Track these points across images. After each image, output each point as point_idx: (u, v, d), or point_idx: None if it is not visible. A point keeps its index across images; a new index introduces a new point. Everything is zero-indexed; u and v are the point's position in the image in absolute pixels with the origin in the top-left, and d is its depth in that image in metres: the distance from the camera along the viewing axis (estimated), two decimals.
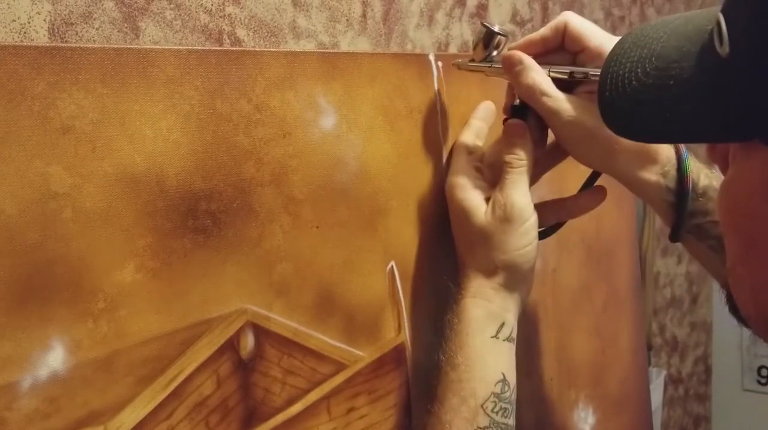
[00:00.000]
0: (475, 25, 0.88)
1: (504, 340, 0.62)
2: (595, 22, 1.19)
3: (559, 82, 0.61)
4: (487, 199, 0.63)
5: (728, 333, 1.89)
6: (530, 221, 0.62)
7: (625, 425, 0.96)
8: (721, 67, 0.40)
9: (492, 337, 0.61)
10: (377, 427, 0.63)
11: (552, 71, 0.62)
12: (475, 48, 0.65)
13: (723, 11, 0.40)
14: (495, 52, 0.65)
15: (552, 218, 0.68)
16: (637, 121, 0.46)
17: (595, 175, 0.68)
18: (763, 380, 1.94)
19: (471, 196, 0.63)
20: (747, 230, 0.42)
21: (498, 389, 0.59)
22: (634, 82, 0.46)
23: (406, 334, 0.66)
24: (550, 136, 0.66)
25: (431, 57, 0.69)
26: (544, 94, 0.61)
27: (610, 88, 0.47)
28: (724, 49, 0.39)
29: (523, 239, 0.61)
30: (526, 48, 0.63)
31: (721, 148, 0.45)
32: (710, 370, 1.97)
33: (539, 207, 0.65)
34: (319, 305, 0.58)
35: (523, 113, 0.64)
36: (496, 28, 0.64)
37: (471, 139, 0.68)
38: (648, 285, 1.50)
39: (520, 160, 0.62)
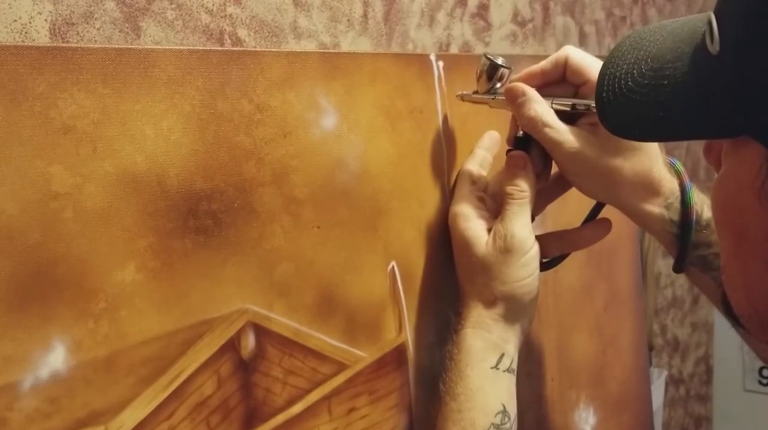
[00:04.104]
0: (476, 25, 0.88)
1: (504, 371, 0.61)
2: (596, 22, 1.20)
3: (561, 114, 0.62)
4: (490, 230, 0.63)
5: (729, 334, 1.87)
6: (531, 253, 0.61)
7: (626, 425, 0.96)
8: (712, 65, 0.41)
9: (492, 368, 0.61)
10: (378, 427, 0.63)
11: (554, 103, 0.62)
12: (478, 80, 0.66)
13: (715, 11, 0.41)
14: (498, 84, 0.65)
15: (555, 249, 0.68)
16: (632, 121, 0.47)
17: (598, 207, 0.68)
18: (765, 381, 1.94)
19: (473, 225, 0.63)
20: (738, 225, 0.42)
21: (498, 421, 0.59)
22: (630, 83, 0.46)
23: (407, 334, 0.66)
24: (554, 168, 0.66)
25: (432, 57, 0.69)
26: (546, 125, 0.61)
27: (607, 89, 0.48)
28: (714, 47, 0.40)
29: (524, 270, 0.61)
30: (526, 80, 0.63)
31: (716, 149, 0.45)
32: (711, 370, 1.96)
33: (543, 238, 0.65)
34: (320, 305, 0.58)
35: (527, 145, 0.64)
36: (499, 61, 0.64)
37: (475, 168, 0.68)
38: (649, 285, 1.50)
39: (521, 191, 0.62)
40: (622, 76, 0.47)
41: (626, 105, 0.46)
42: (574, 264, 0.86)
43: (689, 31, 0.45)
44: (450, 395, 0.60)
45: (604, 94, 0.48)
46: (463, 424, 0.59)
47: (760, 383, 1.95)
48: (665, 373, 1.57)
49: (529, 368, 0.80)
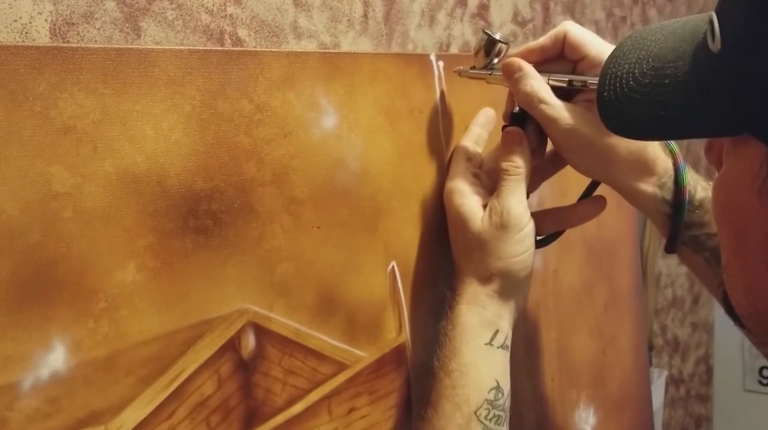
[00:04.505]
0: (476, 25, 0.88)
1: (498, 347, 0.61)
2: (597, 22, 1.20)
3: (558, 91, 0.62)
4: (485, 206, 0.63)
5: (730, 333, 1.89)
6: (526, 229, 0.62)
7: (626, 425, 0.96)
8: (713, 64, 0.41)
9: (486, 344, 0.61)
10: (378, 427, 0.63)
11: (551, 79, 0.62)
12: (476, 55, 0.65)
13: (716, 10, 0.41)
14: (496, 60, 0.65)
15: (551, 226, 0.68)
16: (633, 120, 0.47)
17: (594, 185, 0.68)
18: (765, 381, 1.94)
19: (468, 202, 0.63)
20: (738, 223, 0.42)
21: (492, 397, 0.59)
22: (631, 83, 0.47)
23: (407, 334, 0.66)
24: (550, 145, 0.66)
25: (432, 57, 0.69)
26: (542, 101, 0.61)
27: (609, 88, 0.48)
28: (715, 46, 0.40)
29: (519, 246, 0.61)
30: (525, 56, 0.63)
31: (717, 149, 0.45)
32: (711, 370, 1.96)
33: (538, 215, 0.65)
34: (320, 305, 0.58)
35: (523, 121, 0.64)
36: (497, 36, 0.64)
37: (470, 145, 0.68)
38: (649, 285, 1.50)
39: (517, 167, 0.62)
40: (624, 76, 0.47)
41: (627, 104, 0.47)
42: (574, 264, 0.86)
43: (690, 30, 0.45)
44: (444, 371, 0.60)
45: (605, 94, 0.48)
46: (457, 400, 0.59)
47: (760, 383, 1.95)
48: (665, 373, 1.57)
49: (529, 368, 0.80)
